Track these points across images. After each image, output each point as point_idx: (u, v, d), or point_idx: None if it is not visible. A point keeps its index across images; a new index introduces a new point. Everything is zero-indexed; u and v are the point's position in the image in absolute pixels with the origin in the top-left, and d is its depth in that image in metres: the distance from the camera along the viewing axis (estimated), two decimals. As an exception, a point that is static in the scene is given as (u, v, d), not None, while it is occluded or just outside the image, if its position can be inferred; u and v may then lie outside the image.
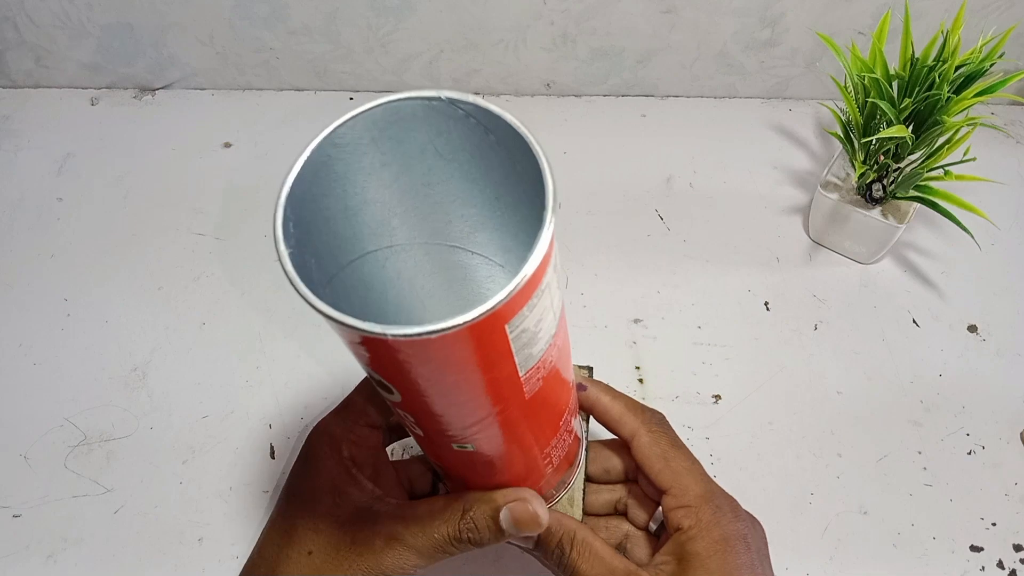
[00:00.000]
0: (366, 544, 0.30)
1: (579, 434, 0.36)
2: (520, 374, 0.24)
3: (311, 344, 0.50)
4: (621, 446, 0.37)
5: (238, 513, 0.43)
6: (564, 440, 0.32)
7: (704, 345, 0.50)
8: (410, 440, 0.39)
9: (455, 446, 0.27)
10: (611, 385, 0.36)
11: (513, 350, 0.22)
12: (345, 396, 0.35)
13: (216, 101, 0.64)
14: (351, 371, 0.48)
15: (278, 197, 0.22)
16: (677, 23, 0.59)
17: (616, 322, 0.51)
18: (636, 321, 0.51)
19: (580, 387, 0.36)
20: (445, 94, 0.23)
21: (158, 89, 0.65)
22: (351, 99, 0.65)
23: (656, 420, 0.36)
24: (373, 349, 0.21)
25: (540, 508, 0.31)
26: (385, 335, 0.19)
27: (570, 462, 0.35)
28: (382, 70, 0.63)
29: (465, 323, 0.19)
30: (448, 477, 0.34)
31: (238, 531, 0.42)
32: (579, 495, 0.37)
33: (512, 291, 0.20)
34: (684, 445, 0.36)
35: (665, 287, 0.53)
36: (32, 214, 0.56)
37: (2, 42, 0.61)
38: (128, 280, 0.53)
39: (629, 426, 0.35)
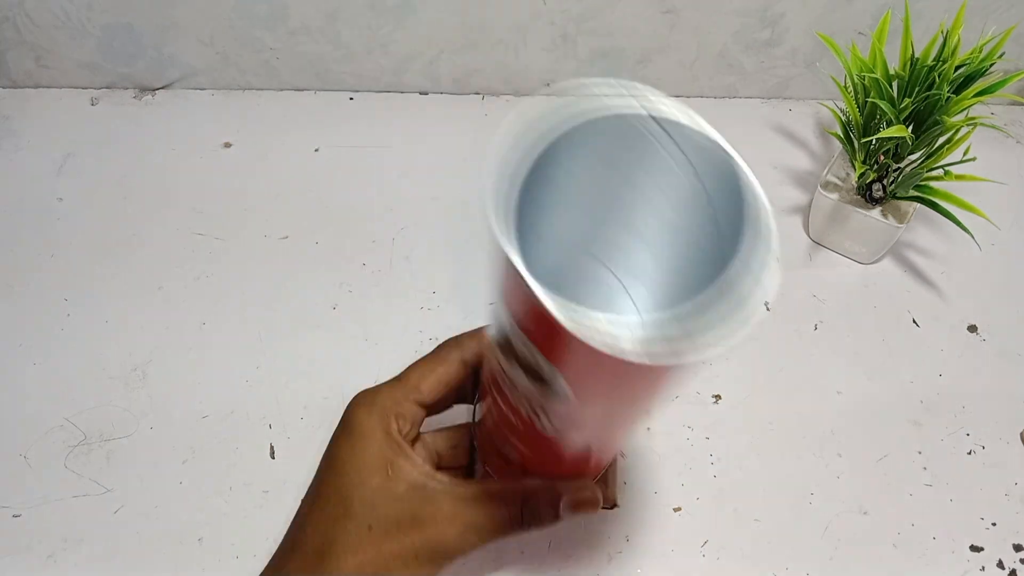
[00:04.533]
0: (429, 520, 0.30)
1: None
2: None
3: (311, 344, 0.50)
4: None
5: (238, 513, 0.43)
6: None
7: (704, 345, 0.50)
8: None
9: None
10: None
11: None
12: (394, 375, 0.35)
13: (216, 101, 0.64)
14: (349, 371, 0.48)
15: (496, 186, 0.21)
16: (677, 23, 0.59)
17: (616, 322, 0.51)
18: (636, 321, 0.51)
19: None
20: (647, 108, 0.22)
21: (158, 89, 0.65)
22: (351, 99, 0.65)
23: None
24: (597, 369, 0.21)
25: (597, 492, 0.33)
26: (642, 359, 0.19)
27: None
28: (382, 70, 0.63)
29: (717, 350, 0.20)
30: (500, 457, 0.34)
31: (238, 531, 0.42)
32: (613, 479, 0.41)
33: (734, 344, 0.20)
34: None
35: (665, 287, 0.53)
36: (32, 214, 0.56)
37: (2, 42, 0.61)
38: (128, 280, 0.53)
39: None
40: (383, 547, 0.30)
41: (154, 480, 0.44)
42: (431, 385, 0.34)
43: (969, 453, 0.46)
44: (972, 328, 0.52)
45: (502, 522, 0.31)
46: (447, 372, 0.34)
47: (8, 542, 0.42)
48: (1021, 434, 0.47)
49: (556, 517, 0.32)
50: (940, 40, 0.46)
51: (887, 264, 0.55)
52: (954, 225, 0.48)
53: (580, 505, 0.32)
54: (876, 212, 0.51)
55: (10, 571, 0.41)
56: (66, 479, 0.44)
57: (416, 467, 0.32)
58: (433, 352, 0.35)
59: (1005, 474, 0.45)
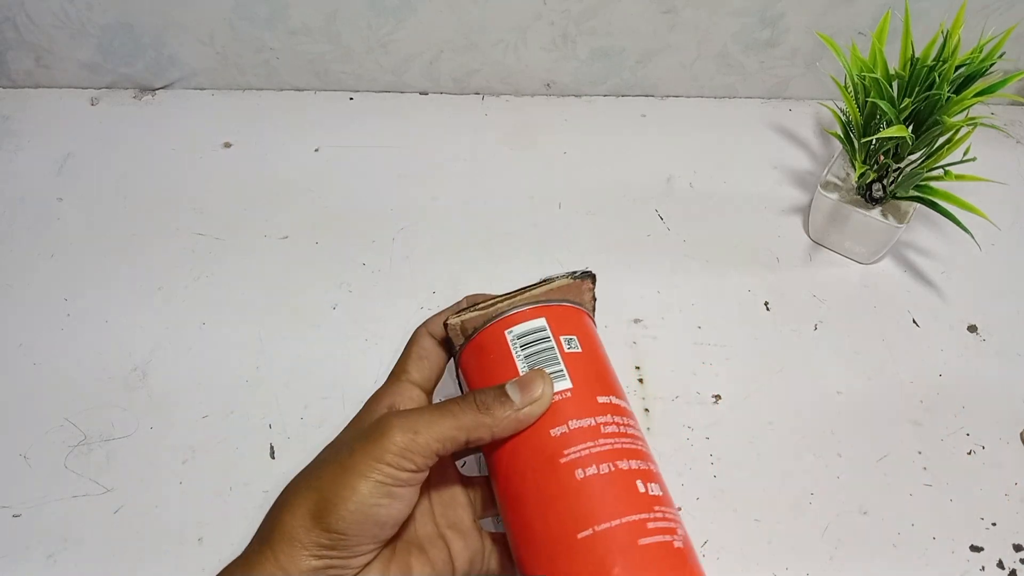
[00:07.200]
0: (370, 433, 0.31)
1: None
2: None
3: (311, 344, 0.50)
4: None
5: (238, 513, 0.43)
6: None
7: (704, 345, 0.50)
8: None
9: None
10: None
11: None
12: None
13: (216, 101, 0.64)
14: (349, 371, 0.48)
15: None
16: (677, 23, 0.59)
17: (616, 322, 0.51)
18: (636, 321, 0.51)
19: None
20: None
21: (158, 89, 0.65)
22: (351, 99, 0.65)
23: None
24: None
25: (544, 382, 0.32)
26: None
27: None
28: (382, 70, 0.63)
29: None
30: None
31: (238, 531, 0.42)
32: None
33: None
34: None
35: (665, 287, 0.53)
36: (32, 214, 0.56)
37: (2, 42, 0.61)
38: (128, 280, 0.53)
39: None
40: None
41: (154, 480, 0.44)
42: (417, 368, 0.36)
43: (969, 453, 0.46)
44: (972, 328, 0.52)
45: (455, 414, 0.31)
46: (424, 350, 0.37)
47: (8, 542, 0.42)
48: (1021, 434, 0.47)
49: (507, 400, 0.31)
50: (940, 40, 0.46)
51: (887, 264, 0.55)
52: (954, 225, 0.48)
53: (525, 383, 0.32)
54: (876, 212, 0.51)
55: (10, 571, 0.41)
56: (66, 479, 0.44)
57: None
58: (409, 341, 0.38)
59: (1005, 474, 0.45)
